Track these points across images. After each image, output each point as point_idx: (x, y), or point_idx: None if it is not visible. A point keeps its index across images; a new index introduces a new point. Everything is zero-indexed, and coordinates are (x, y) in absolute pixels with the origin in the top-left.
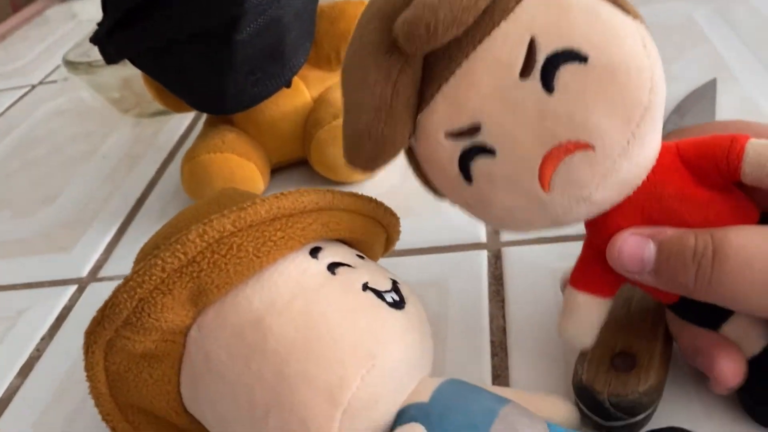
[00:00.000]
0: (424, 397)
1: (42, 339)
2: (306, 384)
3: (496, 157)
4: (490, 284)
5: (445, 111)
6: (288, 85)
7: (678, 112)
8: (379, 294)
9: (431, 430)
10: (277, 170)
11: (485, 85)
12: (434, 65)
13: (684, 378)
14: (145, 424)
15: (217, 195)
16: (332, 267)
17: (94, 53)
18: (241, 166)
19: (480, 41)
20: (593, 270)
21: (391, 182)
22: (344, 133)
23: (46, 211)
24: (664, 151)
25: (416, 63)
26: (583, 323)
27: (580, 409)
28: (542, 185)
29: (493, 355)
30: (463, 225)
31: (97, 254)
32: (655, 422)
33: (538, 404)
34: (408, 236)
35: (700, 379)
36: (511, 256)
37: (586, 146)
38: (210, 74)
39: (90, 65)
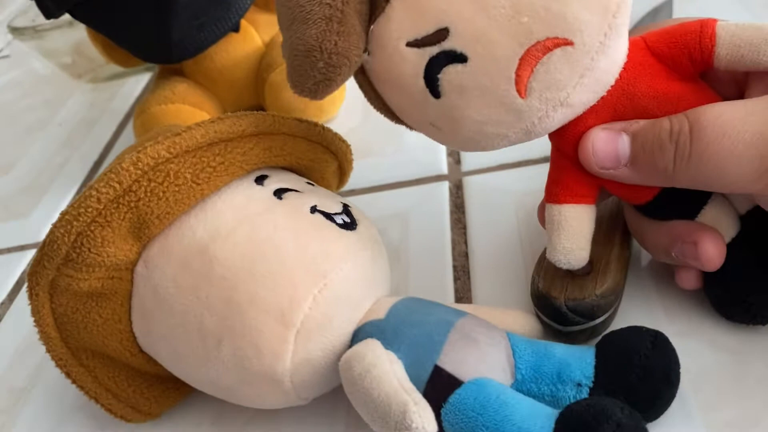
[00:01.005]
0: (380, 314)
1: (1, 304)
2: (256, 308)
3: (468, 64)
4: (451, 213)
5: (405, 17)
6: (236, 29)
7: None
8: (328, 216)
9: (387, 344)
10: None
11: None
12: None
13: (644, 281)
14: (101, 367)
15: (157, 130)
16: (279, 192)
17: (41, 18)
18: (194, 116)
19: None
20: (568, 178)
21: (353, 122)
22: (288, 54)
23: (2, 180)
24: (632, 47)
25: None
26: (576, 235)
27: (539, 318)
28: (518, 91)
29: (456, 279)
30: (425, 159)
31: (55, 218)
32: (616, 325)
33: (499, 317)
34: (370, 174)
35: (661, 281)
36: (472, 184)
37: (565, 42)
38: (152, 21)
39: (35, 30)
